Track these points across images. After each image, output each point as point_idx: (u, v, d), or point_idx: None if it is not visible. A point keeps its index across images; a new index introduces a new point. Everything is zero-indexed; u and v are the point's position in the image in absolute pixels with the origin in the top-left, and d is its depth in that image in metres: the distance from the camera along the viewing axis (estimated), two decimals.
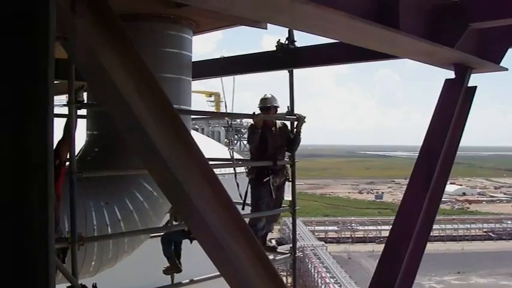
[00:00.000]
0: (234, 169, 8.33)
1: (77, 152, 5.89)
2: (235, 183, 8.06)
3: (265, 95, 8.03)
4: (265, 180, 7.89)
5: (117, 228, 6.35)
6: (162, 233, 7.81)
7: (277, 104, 8.02)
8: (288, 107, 7.92)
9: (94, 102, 6.94)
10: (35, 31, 2.13)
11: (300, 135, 8.01)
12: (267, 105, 7.93)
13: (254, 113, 7.62)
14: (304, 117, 7.96)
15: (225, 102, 8.34)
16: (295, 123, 7.99)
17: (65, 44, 3.19)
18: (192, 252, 7.72)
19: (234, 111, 8.44)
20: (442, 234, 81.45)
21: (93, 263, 6.27)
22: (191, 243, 7.70)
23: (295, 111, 7.94)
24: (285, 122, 8.10)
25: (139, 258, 7.41)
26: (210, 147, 15.39)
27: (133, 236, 6.64)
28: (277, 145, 7.97)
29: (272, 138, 7.94)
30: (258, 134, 7.74)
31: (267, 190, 7.93)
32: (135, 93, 3.08)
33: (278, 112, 8.08)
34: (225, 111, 8.38)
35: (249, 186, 8.09)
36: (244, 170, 8.34)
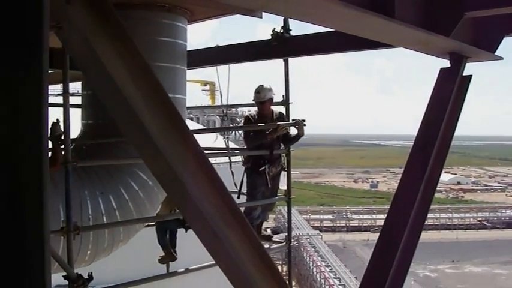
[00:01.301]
0: (229, 158, 8.34)
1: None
2: (231, 172, 8.07)
3: (259, 87, 7.99)
4: (261, 169, 7.91)
5: (112, 218, 6.35)
6: (157, 222, 7.83)
7: (272, 94, 7.99)
8: (283, 96, 7.91)
9: (89, 92, 6.94)
10: (28, 20, 2.12)
11: (299, 138, 8.01)
12: (262, 99, 7.90)
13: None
14: (304, 121, 7.95)
15: (220, 91, 8.35)
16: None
17: (59, 33, 3.18)
18: (187, 241, 7.75)
19: (229, 100, 8.45)
20: (436, 223, 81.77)
21: (88, 252, 6.28)
22: (186, 232, 7.72)
23: (290, 100, 7.94)
24: (281, 111, 8.10)
25: (134, 247, 7.42)
26: (205, 137, 15.38)
27: (128, 225, 6.64)
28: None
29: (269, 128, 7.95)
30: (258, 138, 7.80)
31: (263, 179, 7.95)
32: (129, 82, 3.07)
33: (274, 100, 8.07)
34: (220, 100, 8.39)
35: (245, 175, 8.11)
36: (240, 159, 8.35)
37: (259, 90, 7.92)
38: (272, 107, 8.05)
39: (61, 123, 5.46)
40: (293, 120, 7.90)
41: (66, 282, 5.41)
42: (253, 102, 8.01)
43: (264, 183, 7.96)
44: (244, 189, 8.13)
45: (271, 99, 7.98)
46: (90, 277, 5.53)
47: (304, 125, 7.93)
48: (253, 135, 7.94)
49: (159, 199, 7.07)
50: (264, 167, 7.90)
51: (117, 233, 6.59)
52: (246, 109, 8.29)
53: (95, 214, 6.21)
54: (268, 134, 7.72)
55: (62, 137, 5.47)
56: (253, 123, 7.96)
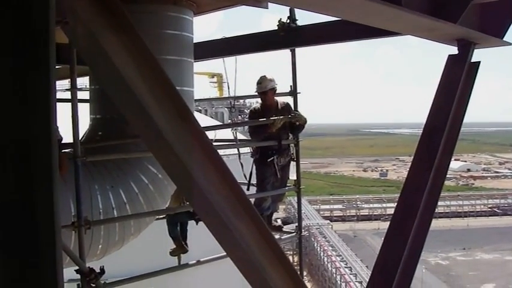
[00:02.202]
0: (238, 150, 8.34)
1: (80, 136, 5.90)
2: (239, 164, 8.08)
3: (261, 78, 7.96)
4: (269, 160, 7.91)
5: (123, 211, 6.37)
6: (168, 215, 7.86)
7: (274, 84, 7.96)
8: (290, 86, 7.89)
9: (96, 86, 6.95)
10: (35, 16, 2.12)
11: (303, 126, 8.00)
12: (264, 90, 7.89)
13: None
14: (305, 119, 7.94)
15: (228, 83, 8.34)
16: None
17: (66, 28, 3.19)
18: (199, 234, 7.78)
19: (236, 92, 8.43)
20: (447, 211, 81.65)
21: (100, 246, 6.31)
22: (197, 224, 7.74)
23: (298, 90, 7.91)
24: (287, 101, 8.08)
25: (146, 241, 7.45)
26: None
27: (139, 219, 6.67)
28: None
29: (271, 116, 7.94)
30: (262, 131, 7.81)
31: (272, 170, 7.95)
32: (137, 76, 3.07)
33: (278, 91, 8.05)
34: (227, 92, 8.39)
35: (254, 166, 8.11)
36: (249, 151, 8.35)
37: (261, 81, 7.91)
38: (277, 98, 8.04)
39: (68, 120, 5.47)
40: (296, 112, 7.89)
41: (78, 276, 5.45)
42: (256, 93, 8.02)
43: (273, 174, 7.97)
44: (253, 181, 8.13)
45: (274, 89, 7.95)
46: (102, 271, 5.57)
47: (306, 121, 7.94)
48: (257, 130, 7.94)
49: (169, 192, 7.08)
50: (272, 158, 7.91)
51: (128, 226, 6.61)
52: (254, 100, 8.29)
53: (105, 208, 6.24)
54: (268, 128, 7.71)
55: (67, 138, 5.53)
56: (257, 115, 7.96)
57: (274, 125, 7.65)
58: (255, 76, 7.98)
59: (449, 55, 5.85)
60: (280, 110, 7.95)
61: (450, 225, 77.45)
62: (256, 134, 7.99)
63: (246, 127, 7.84)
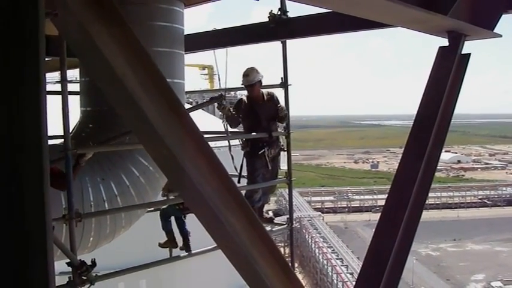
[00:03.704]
0: (229, 142, 8.34)
1: (71, 129, 5.88)
2: (230, 156, 8.08)
3: (247, 70, 7.96)
4: (260, 152, 7.92)
5: (114, 204, 6.37)
6: (160, 208, 7.86)
7: (260, 76, 7.97)
8: (281, 78, 7.89)
9: (86, 79, 6.92)
10: (24, 8, 2.11)
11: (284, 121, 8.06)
12: (251, 82, 7.89)
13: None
14: (285, 111, 8.00)
15: (219, 75, 8.33)
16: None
17: (55, 20, 3.17)
18: (190, 226, 7.80)
19: (227, 84, 8.43)
20: (437, 202, 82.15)
21: (91, 239, 6.31)
22: (184, 218, 7.78)
23: (289, 82, 7.92)
24: (271, 91, 8.10)
25: (137, 233, 7.45)
26: (204, 120, 15.38)
27: (130, 211, 6.67)
28: (270, 116, 7.99)
29: (263, 110, 7.95)
30: (238, 119, 7.85)
31: (263, 162, 7.97)
32: (127, 68, 3.06)
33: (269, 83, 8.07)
34: (218, 84, 8.38)
35: (244, 158, 8.13)
36: (239, 143, 8.36)
37: (248, 73, 7.90)
38: (262, 90, 8.06)
39: (59, 113, 5.44)
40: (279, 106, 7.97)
41: (69, 269, 5.45)
42: (243, 86, 8.01)
43: (263, 166, 7.99)
44: (244, 173, 8.15)
45: (260, 81, 7.98)
46: (94, 263, 5.57)
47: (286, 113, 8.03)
48: (231, 119, 7.94)
49: (160, 184, 7.09)
50: (263, 150, 7.92)
51: (119, 219, 6.61)
52: (245, 92, 8.28)
53: (96, 201, 6.23)
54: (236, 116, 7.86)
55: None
56: (243, 107, 7.98)
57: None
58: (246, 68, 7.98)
59: (440, 47, 5.86)
60: (266, 101, 7.98)
61: (441, 216, 77.91)
62: (231, 122, 8.01)
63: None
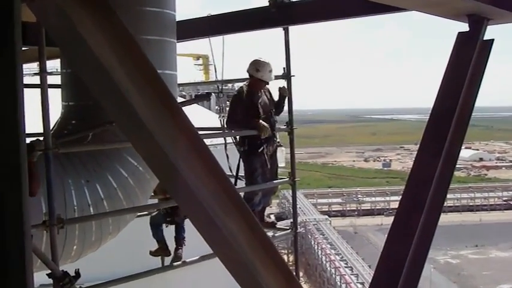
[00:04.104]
0: (225, 139, 8.33)
1: (51, 125, 5.87)
2: (226, 155, 8.07)
3: (269, 65, 8.00)
4: (260, 150, 7.91)
5: (100, 208, 6.36)
6: (151, 213, 7.87)
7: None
8: (283, 68, 7.89)
9: (68, 70, 6.91)
10: None
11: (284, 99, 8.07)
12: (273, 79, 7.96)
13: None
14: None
15: (215, 66, 8.32)
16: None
17: (32, 5, 3.16)
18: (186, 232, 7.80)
19: (224, 75, 8.42)
20: (457, 204, 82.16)
21: (74, 247, 6.30)
22: (166, 226, 7.79)
23: (292, 73, 7.91)
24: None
25: (126, 240, 7.45)
26: (200, 115, 15.38)
27: (118, 216, 6.66)
28: (268, 108, 8.00)
29: (262, 101, 7.95)
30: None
31: (262, 160, 7.95)
32: (113, 58, 3.05)
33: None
34: (214, 75, 8.37)
35: (241, 158, 8.10)
36: (232, 141, 8.32)
37: (272, 69, 7.93)
38: None
39: (38, 108, 5.43)
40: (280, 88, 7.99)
41: (50, 281, 5.44)
42: (263, 81, 7.99)
43: (263, 165, 7.97)
44: (240, 174, 8.14)
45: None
46: (78, 274, 5.55)
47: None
48: (238, 120, 7.93)
49: (151, 186, 7.09)
50: (262, 147, 7.91)
51: (105, 225, 6.60)
52: (243, 84, 8.27)
53: (80, 205, 6.23)
54: (254, 123, 7.78)
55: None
56: (244, 102, 7.95)
57: (263, 131, 7.72)
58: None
59: (459, 32, 5.85)
60: (270, 97, 8.04)
61: (461, 220, 77.94)
62: (237, 124, 7.97)
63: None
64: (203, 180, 3.30)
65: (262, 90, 8.05)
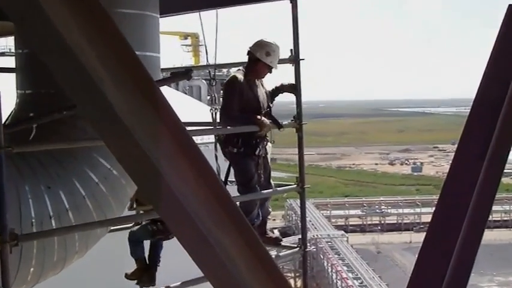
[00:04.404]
0: (215, 137, 8.33)
1: (4, 119, 5.88)
2: (214, 156, 8.07)
3: (278, 46, 8.02)
4: (257, 152, 7.91)
5: (64, 221, 6.36)
6: (128, 227, 7.89)
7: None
8: (291, 50, 7.88)
9: (25, 51, 6.92)
10: None
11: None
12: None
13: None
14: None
15: (206, 46, 8.31)
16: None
17: None
18: (168, 251, 7.81)
19: (217, 59, 8.43)
20: (505, 219, 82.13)
21: (31, 269, 6.30)
22: (166, 239, 7.80)
23: (301, 56, 7.91)
24: None
25: (96, 260, 7.47)
26: (188, 107, 15.43)
27: (86, 231, 6.67)
28: (267, 99, 8.03)
29: (260, 93, 7.97)
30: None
31: (255, 163, 7.95)
32: (82, 36, 3.06)
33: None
34: (205, 58, 8.35)
35: (232, 162, 8.11)
36: (216, 140, 8.32)
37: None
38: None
39: None
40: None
41: None
42: (269, 66, 8.01)
43: (257, 168, 7.96)
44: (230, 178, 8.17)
45: None
46: None
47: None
48: (237, 113, 7.94)
49: (128, 194, 7.09)
50: (258, 148, 7.91)
51: (71, 241, 6.61)
52: (237, 70, 8.27)
53: (39, 217, 6.22)
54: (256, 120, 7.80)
55: None
56: (241, 91, 7.94)
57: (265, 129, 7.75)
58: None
59: (510, 5, 5.86)
60: (265, 88, 8.09)
61: (510, 238, 77.93)
62: (235, 120, 7.96)
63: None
64: (192, 187, 3.30)
65: (258, 80, 8.06)
